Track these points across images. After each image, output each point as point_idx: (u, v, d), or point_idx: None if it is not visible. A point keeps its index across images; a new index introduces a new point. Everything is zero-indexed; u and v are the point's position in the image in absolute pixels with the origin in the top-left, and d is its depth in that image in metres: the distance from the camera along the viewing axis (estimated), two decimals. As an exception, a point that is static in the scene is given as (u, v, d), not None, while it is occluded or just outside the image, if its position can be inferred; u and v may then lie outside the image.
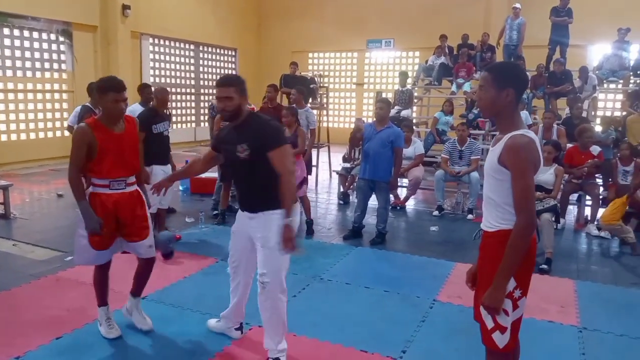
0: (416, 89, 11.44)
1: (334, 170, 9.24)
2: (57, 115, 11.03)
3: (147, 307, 3.68)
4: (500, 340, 2.08)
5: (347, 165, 7.96)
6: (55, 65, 10.86)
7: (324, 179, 9.69)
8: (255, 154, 2.73)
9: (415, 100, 11.05)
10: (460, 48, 11.11)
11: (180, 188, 8.00)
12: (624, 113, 8.55)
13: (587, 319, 3.74)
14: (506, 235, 2.02)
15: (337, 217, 6.94)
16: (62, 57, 10.96)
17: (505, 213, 2.04)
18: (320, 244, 5.46)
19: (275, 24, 16.55)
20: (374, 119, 5.64)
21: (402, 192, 7.73)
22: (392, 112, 9.58)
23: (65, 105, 11.09)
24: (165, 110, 5.52)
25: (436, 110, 9.55)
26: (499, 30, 10.89)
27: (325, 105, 10.96)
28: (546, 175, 5.48)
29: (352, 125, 11.94)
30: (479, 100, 2.16)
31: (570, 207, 6.95)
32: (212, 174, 6.53)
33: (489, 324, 2.09)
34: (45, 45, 10.60)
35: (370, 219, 5.92)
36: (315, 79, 10.89)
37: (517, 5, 10.39)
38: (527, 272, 2.10)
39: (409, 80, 10.89)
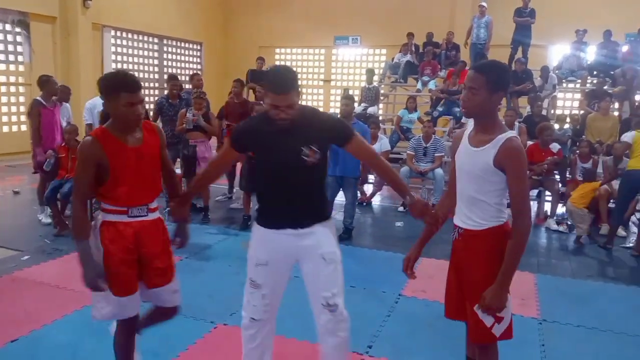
0: (383, 86, 11.53)
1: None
2: (14, 109, 10.62)
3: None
4: (498, 329, 2.11)
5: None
6: (12, 57, 10.44)
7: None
8: (323, 156, 2.30)
9: (382, 98, 11.14)
10: (426, 46, 11.26)
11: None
12: (582, 112, 8.85)
13: (547, 311, 3.86)
14: (498, 231, 2.08)
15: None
16: (19, 48, 10.54)
17: (495, 211, 2.09)
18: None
19: (242, 19, 16.37)
20: (340, 116, 5.65)
21: (368, 189, 7.78)
22: (359, 109, 9.65)
23: (22, 99, 10.69)
24: None
25: (402, 107, 9.66)
26: (466, 30, 11.07)
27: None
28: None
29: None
30: (467, 101, 2.08)
31: (531, 202, 7.14)
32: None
33: (488, 321, 2.09)
34: (0, 36, 10.18)
35: (337, 215, 5.94)
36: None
37: (483, 3, 10.60)
38: None
39: (376, 78, 10.97)
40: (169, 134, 5.91)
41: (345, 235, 5.55)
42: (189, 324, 3.40)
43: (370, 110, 9.75)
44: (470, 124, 2.20)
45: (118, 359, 2.50)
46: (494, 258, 2.06)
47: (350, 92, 10.95)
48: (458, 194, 2.20)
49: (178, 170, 6.72)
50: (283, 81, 2.13)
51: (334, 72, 16.31)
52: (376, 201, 7.71)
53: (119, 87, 2.19)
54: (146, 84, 14.15)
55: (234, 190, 7.25)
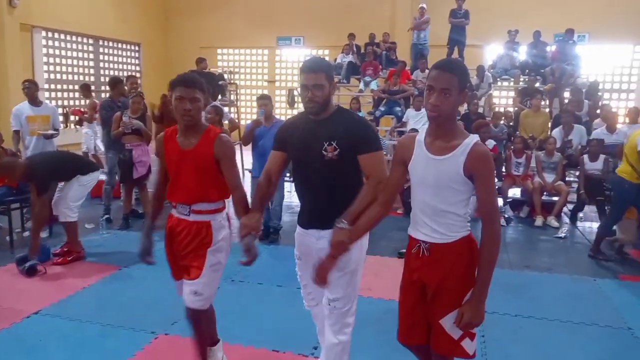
0: (326, 86, 11.59)
1: (246, 169, 9.10)
2: None
3: (42, 323, 3.42)
4: (470, 346, 2.04)
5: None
6: None
7: (236, 177, 9.53)
8: (344, 156, 2.25)
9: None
10: (367, 47, 11.42)
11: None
12: (516, 108, 9.25)
13: (487, 302, 3.97)
14: (467, 241, 2.01)
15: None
16: (-63, 50, 9.84)
17: (462, 221, 2.01)
18: (232, 245, 5.34)
19: (182, 18, 15.99)
20: (257, 117, 5.46)
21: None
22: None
23: (-58, 104, 9.97)
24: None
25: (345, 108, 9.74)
26: (409, 29, 11.36)
27: (235, 103, 10.78)
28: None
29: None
30: (440, 104, 1.89)
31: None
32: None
33: (456, 334, 2.01)
34: None
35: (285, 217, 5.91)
36: (225, 75, 10.68)
37: (423, 5, 10.89)
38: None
39: (319, 78, 11.00)
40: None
41: (274, 237, 5.54)
42: (128, 335, 3.28)
43: (314, 110, 9.77)
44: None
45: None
46: (468, 269, 2.02)
47: (295, 92, 10.94)
48: (418, 206, 2.05)
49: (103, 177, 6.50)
50: (314, 62, 2.27)
51: (278, 73, 16.24)
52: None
53: (174, 82, 2.35)
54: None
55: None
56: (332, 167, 2.26)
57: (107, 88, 6.86)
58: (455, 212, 1.98)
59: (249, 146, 5.61)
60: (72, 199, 4.67)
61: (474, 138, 1.94)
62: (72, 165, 4.77)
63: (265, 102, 5.39)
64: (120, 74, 14.62)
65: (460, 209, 1.99)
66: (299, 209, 2.50)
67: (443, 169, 1.94)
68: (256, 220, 2.33)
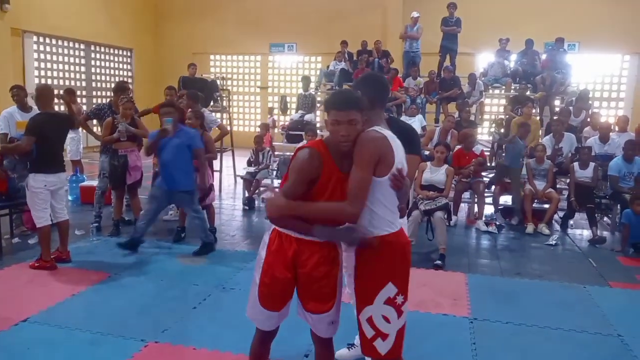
0: (319, 93, 11.62)
1: (238, 175, 9.09)
2: None
3: (30, 331, 3.38)
4: (383, 347, 2.08)
5: (252, 169, 7.87)
6: None
7: (229, 184, 9.51)
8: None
9: (318, 105, 11.21)
10: (360, 54, 11.46)
11: (70, 198, 7.42)
12: (507, 116, 9.31)
13: (477, 310, 3.99)
14: (390, 240, 2.09)
15: (242, 224, 6.82)
16: None
17: (379, 219, 2.09)
18: (222, 252, 5.32)
19: (174, 24, 15.99)
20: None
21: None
22: (296, 116, 9.67)
23: None
24: None
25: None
26: (400, 35, 11.42)
27: (227, 109, 10.78)
28: (438, 175, 5.79)
29: (258, 129, 11.85)
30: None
31: (462, 204, 7.40)
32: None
33: (369, 332, 2.08)
34: None
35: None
36: (217, 81, 10.68)
37: (415, 13, 10.96)
38: (406, 276, 2.15)
39: (312, 85, 11.03)
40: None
41: (204, 250, 5.11)
42: (117, 343, 3.24)
43: (307, 117, 9.79)
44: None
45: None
46: (377, 269, 2.06)
47: (288, 99, 10.91)
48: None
49: (94, 182, 6.45)
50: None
51: (271, 79, 16.26)
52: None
53: (328, 104, 2.13)
54: (73, 92, 13.48)
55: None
56: None
57: (99, 94, 6.83)
58: (372, 209, 2.06)
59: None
60: (30, 205, 4.54)
61: (369, 129, 2.06)
62: (44, 149, 4.46)
63: (170, 110, 4.96)
64: (112, 79, 14.58)
65: (376, 206, 2.05)
66: None
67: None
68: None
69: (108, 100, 6.46)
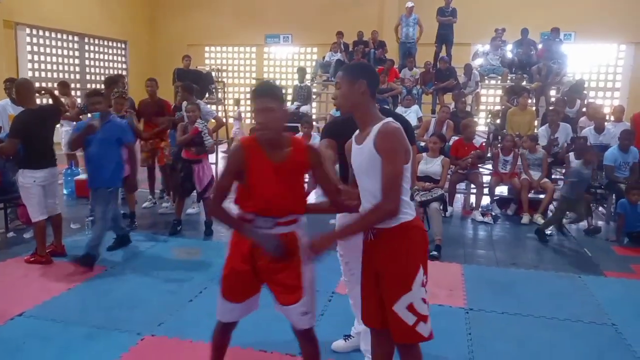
0: (315, 85, 11.57)
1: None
2: None
3: (25, 325, 3.37)
4: (425, 329, 2.10)
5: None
6: None
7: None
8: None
9: (314, 96, 11.19)
10: (356, 45, 11.41)
11: (65, 192, 7.40)
12: (503, 107, 9.31)
13: (473, 300, 4.00)
14: (407, 227, 2.08)
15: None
16: None
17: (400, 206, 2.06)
18: (219, 244, 5.32)
19: (169, 16, 15.86)
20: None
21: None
22: (292, 107, 9.63)
23: None
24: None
25: (334, 106, 9.73)
26: (394, 27, 11.34)
27: (222, 101, 10.73)
28: (434, 166, 5.79)
29: (252, 121, 11.81)
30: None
31: (457, 195, 7.41)
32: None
33: (410, 319, 2.06)
34: None
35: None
36: (212, 73, 10.62)
37: (410, 3, 10.91)
38: (427, 256, 2.21)
39: (308, 76, 10.99)
40: None
41: (86, 260, 4.38)
42: (113, 337, 3.25)
43: (303, 109, 9.76)
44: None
45: (211, 353, 2.52)
46: (409, 254, 2.08)
47: (284, 90, 10.88)
48: (362, 196, 2.18)
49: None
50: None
51: (266, 71, 16.18)
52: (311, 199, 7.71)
53: (250, 94, 2.27)
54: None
55: (156, 193, 7.01)
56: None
57: (93, 87, 6.79)
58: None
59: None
60: (24, 200, 4.48)
61: (386, 120, 2.07)
62: (31, 147, 4.36)
63: (97, 100, 4.62)
64: (107, 72, 14.48)
65: (404, 194, 2.05)
66: None
67: (364, 154, 2.08)
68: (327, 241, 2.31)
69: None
